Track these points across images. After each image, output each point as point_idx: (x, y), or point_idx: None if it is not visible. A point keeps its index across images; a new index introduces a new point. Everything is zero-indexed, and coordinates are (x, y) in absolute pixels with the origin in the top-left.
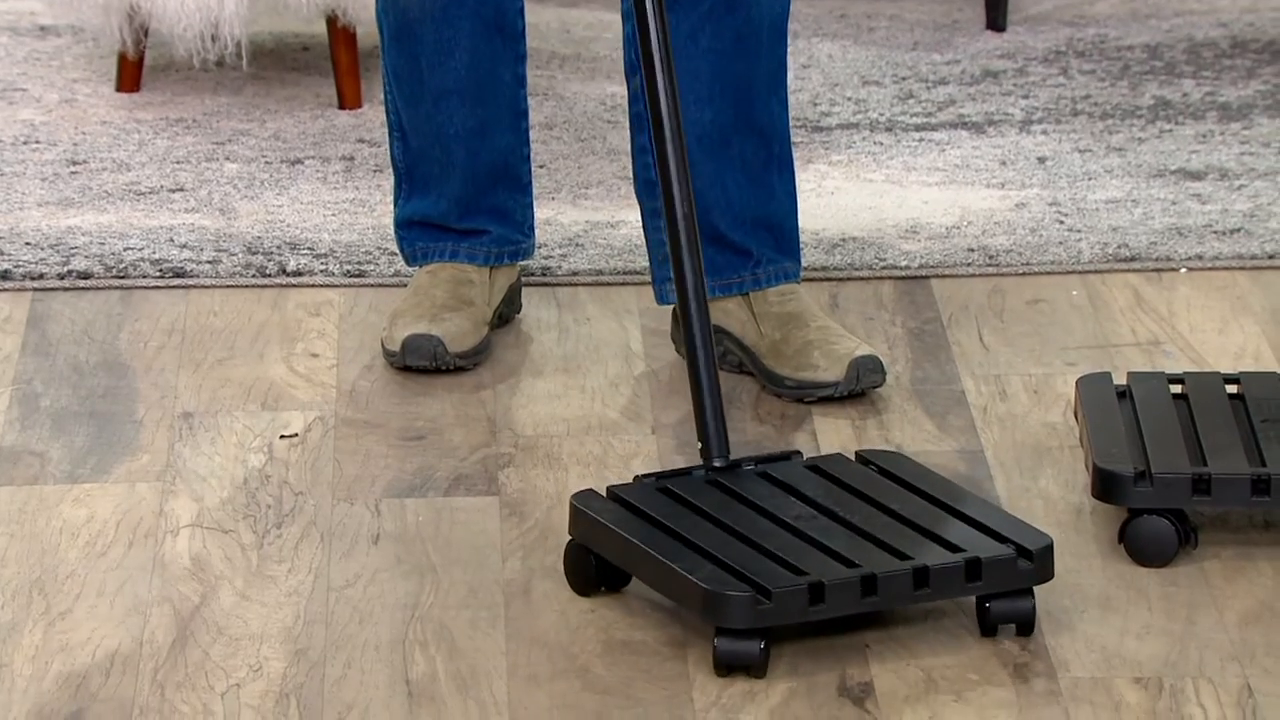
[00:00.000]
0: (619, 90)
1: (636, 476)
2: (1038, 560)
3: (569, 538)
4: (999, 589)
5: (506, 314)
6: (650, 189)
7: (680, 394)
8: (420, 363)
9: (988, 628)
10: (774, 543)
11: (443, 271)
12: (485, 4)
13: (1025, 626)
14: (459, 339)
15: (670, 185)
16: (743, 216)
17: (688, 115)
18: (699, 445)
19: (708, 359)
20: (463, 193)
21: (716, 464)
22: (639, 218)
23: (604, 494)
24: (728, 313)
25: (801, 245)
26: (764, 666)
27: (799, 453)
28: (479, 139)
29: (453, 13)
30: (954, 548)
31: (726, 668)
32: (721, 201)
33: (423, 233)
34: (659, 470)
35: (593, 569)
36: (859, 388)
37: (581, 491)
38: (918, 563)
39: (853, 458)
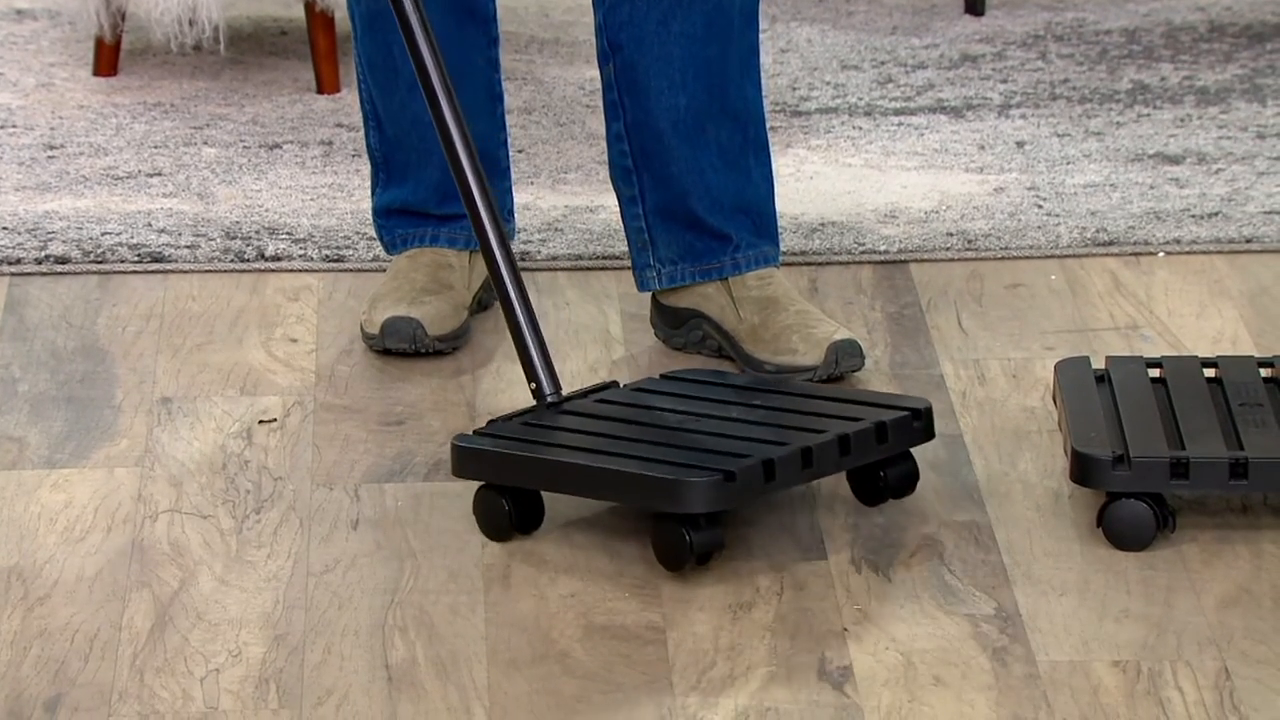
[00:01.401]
0: (597, 75)
1: (488, 421)
2: (925, 419)
3: (476, 485)
4: (902, 448)
5: (486, 300)
6: (626, 176)
7: None
8: (400, 345)
9: (877, 495)
10: (687, 440)
11: (422, 256)
12: None
13: (911, 487)
14: (439, 322)
15: (449, 133)
16: (721, 201)
17: (662, 101)
18: (531, 385)
19: (521, 301)
20: (441, 178)
21: (552, 398)
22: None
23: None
24: (706, 297)
25: (780, 230)
26: (722, 549)
27: (616, 382)
28: None
29: None
30: (853, 419)
31: (701, 557)
32: (699, 187)
33: (402, 220)
34: (502, 414)
35: (506, 513)
36: (838, 372)
37: (459, 435)
38: (841, 431)
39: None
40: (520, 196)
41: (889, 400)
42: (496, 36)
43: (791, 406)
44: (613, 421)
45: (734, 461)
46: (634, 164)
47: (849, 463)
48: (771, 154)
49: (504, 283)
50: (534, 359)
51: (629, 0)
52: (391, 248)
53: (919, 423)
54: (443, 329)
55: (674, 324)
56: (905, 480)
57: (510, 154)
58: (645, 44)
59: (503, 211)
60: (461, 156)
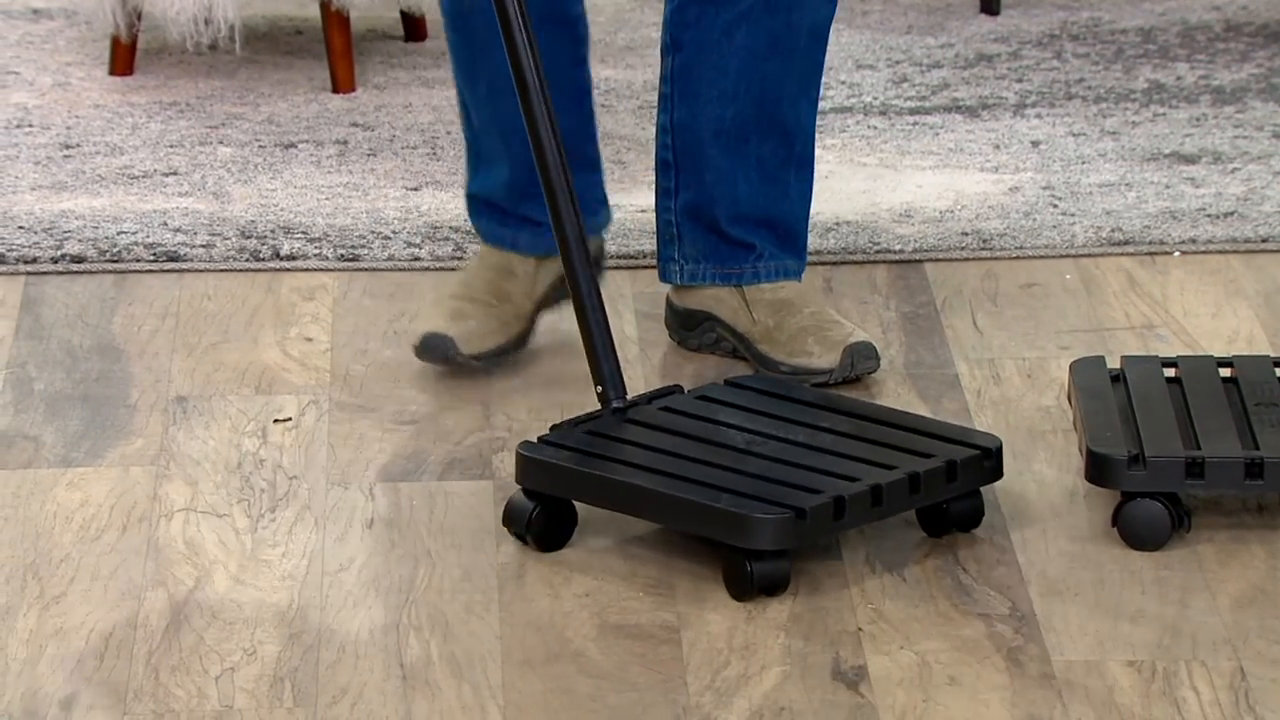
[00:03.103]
0: (612, 74)
1: (552, 426)
2: (995, 459)
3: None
4: (970, 487)
5: (555, 298)
6: (665, 169)
7: (674, 378)
8: (434, 362)
9: (942, 528)
10: (755, 466)
11: (491, 258)
12: None
13: (976, 521)
14: (474, 340)
15: (537, 133)
16: (746, 214)
17: (710, 111)
18: (597, 389)
19: (594, 303)
20: (512, 178)
21: (617, 404)
22: (634, 201)
23: (538, 443)
24: (719, 299)
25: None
26: (788, 583)
27: (680, 386)
28: None
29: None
30: (924, 454)
31: (766, 589)
32: (728, 198)
33: (487, 212)
34: (567, 419)
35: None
36: (854, 374)
37: (523, 443)
38: (910, 470)
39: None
40: None
41: (959, 435)
42: (583, 35)
43: (859, 433)
44: (678, 437)
45: (804, 497)
46: (673, 159)
47: (918, 501)
48: (814, 170)
49: (579, 284)
50: (602, 363)
51: (698, 1)
52: (481, 237)
53: (989, 462)
54: (479, 347)
55: (688, 326)
56: (971, 516)
57: (600, 148)
58: (705, 50)
59: (594, 202)
60: (548, 154)
